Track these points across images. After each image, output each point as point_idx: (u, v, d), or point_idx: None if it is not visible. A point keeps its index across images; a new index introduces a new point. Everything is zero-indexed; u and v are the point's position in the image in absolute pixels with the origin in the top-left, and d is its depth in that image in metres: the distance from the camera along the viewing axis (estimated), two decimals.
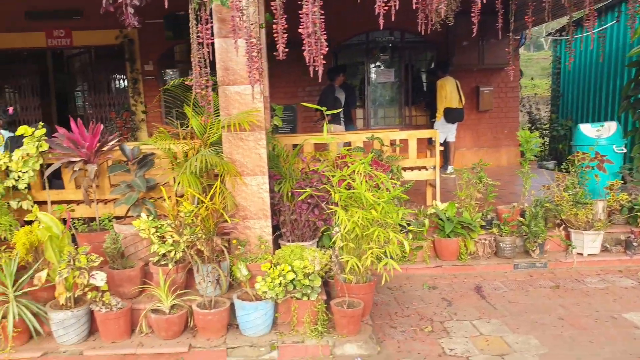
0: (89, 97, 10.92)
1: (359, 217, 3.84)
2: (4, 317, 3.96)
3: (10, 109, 6.17)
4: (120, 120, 9.99)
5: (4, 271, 4.10)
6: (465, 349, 3.86)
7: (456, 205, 5.70)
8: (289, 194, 4.87)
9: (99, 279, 3.95)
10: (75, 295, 4.04)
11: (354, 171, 4.07)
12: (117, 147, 4.81)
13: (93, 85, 10.80)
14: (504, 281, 5.22)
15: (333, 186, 4.13)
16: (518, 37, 9.34)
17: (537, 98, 13.53)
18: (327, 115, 4.77)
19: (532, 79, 16.21)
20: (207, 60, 3.63)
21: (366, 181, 4.04)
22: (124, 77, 10.56)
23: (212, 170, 4.65)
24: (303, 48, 3.54)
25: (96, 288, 4.02)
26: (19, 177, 4.83)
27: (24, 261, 4.33)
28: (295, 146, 5.99)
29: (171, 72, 10.79)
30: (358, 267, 3.95)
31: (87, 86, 11.17)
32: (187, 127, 4.97)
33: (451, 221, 5.46)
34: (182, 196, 4.78)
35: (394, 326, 4.30)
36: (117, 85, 10.92)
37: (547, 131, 11.47)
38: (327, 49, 3.37)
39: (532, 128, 11.43)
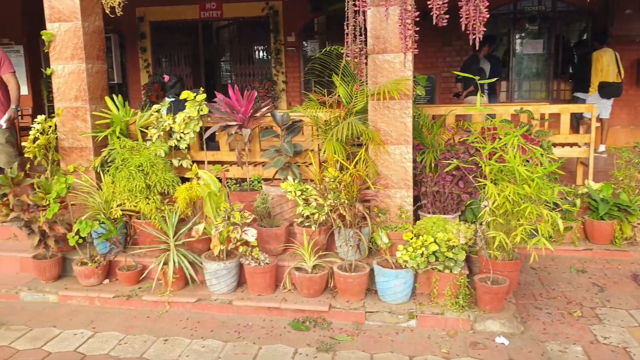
0: (234, 66, 11.51)
1: (510, 192, 3.69)
2: (165, 263, 4.38)
3: (166, 77, 6.66)
4: (262, 89, 10.45)
5: (167, 222, 4.53)
6: (622, 339, 3.59)
7: (612, 185, 5.26)
8: (432, 165, 4.81)
9: (250, 234, 4.22)
10: (228, 249, 4.35)
11: (505, 144, 3.90)
12: (268, 114, 5.04)
13: (238, 55, 11.35)
14: None
15: (482, 158, 4.00)
16: None
17: None
18: (473, 85, 4.60)
19: None
20: (361, 29, 3.64)
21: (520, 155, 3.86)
22: (266, 47, 10.98)
23: (352, 139, 4.70)
24: (460, 15, 3.43)
25: (246, 243, 4.30)
26: (180, 137, 5.24)
27: (184, 214, 4.74)
28: (434, 117, 5.88)
29: (306, 44, 11.03)
30: (506, 243, 3.81)
31: (232, 56, 11.78)
32: (333, 95, 5.06)
33: (606, 202, 5.05)
34: (324, 162, 4.91)
35: (539, 307, 4.11)
36: (259, 56, 11.39)
37: None
38: (488, 15, 3.23)
39: None
